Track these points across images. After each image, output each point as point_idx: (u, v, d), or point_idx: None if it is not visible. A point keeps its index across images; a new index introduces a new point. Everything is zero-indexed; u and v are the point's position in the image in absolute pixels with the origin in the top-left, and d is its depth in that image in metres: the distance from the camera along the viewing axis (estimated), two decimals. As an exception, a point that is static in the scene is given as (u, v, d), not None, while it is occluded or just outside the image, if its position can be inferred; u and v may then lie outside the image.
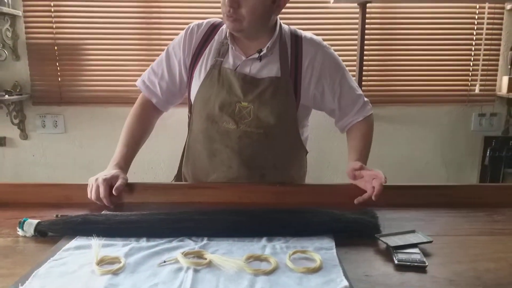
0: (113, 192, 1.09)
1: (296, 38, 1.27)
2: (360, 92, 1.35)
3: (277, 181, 1.26)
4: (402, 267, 0.80)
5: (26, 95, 2.45)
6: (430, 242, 0.88)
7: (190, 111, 1.34)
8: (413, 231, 0.92)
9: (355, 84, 1.34)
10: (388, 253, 0.85)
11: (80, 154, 2.57)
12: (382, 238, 0.89)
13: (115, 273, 0.75)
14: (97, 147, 2.52)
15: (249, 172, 1.26)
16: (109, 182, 1.10)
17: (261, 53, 1.23)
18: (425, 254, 0.85)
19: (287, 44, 1.26)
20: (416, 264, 0.80)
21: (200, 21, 1.33)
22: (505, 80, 2.47)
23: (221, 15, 1.22)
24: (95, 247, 0.79)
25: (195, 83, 1.28)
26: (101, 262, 0.78)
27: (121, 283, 0.71)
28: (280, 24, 1.28)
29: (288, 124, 1.27)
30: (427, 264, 0.80)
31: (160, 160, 2.52)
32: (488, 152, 2.57)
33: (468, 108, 2.57)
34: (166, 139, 2.17)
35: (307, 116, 1.36)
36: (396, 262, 0.81)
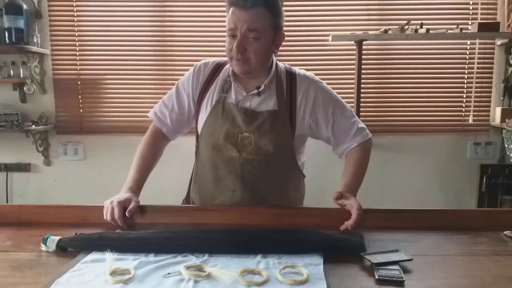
0: (126, 214, 1.17)
1: (291, 75, 1.37)
2: (354, 119, 1.40)
3: (277, 203, 1.34)
4: (382, 282, 0.86)
5: (51, 125, 2.59)
6: (411, 260, 0.94)
7: (197, 141, 1.43)
8: (396, 250, 0.98)
9: (349, 113, 1.40)
10: (371, 269, 0.91)
11: (98, 179, 2.67)
12: (366, 256, 0.95)
13: (126, 282, 0.82)
14: (114, 173, 2.62)
15: (251, 195, 1.33)
16: (123, 205, 1.18)
17: (260, 90, 1.33)
18: (405, 271, 0.90)
19: (282, 80, 1.36)
20: (394, 279, 0.86)
21: (207, 60, 1.44)
22: (498, 110, 2.52)
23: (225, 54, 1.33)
24: (108, 260, 0.87)
25: (202, 115, 1.38)
26: (114, 273, 0.86)
27: (130, 291, 0.79)
28: (276, 63, 1.38)
29: (286, 152, 1.35)
30: (404, 279, 0.86)
31: (171, 185, 2.61)
32: (484, 180, 2.60)
33: (463, 137, 2.62)
34: (176, 166, 2.24)
35: (303, 144, 1.43)
36: (376, 277, 0.87)
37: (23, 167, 2.67)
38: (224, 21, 2.46)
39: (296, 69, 1.41)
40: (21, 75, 2.50)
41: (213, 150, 1.34)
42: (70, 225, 1.17)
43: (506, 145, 1.09)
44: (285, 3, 2.52)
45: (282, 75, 1.37)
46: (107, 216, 1.18)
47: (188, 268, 0.87)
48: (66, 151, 2.66)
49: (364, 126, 1.42)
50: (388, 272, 0.88)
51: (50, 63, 2.58)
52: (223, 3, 2.57)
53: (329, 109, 1.36)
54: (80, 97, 2.61)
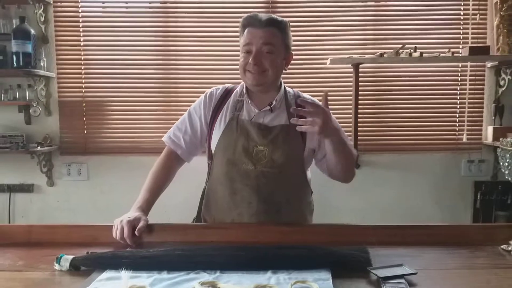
0: (136, 232, 1.19)
1: (299, 97, 1.45)
2: (350, 143, 1.50)
3: (291, 215, 1.38)
4: (389, 295, 0.88)
5: (55, 146, 2.60)
6: (415, 273, 0.97)
7: (210, 159, 1.46)
8: (400, 265, 1.01)
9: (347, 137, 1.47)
10: (378, 283, 0.94)
11: (100, 199, 2.67)
12: (373, 271, 0.98)
13: (143, 298, 0.84)
14: (117, 193, 2.63)
15: (266, 207, 1.36)
16: (132, 224, 1.20)
17: (272, 105, 1.40)
18: (410, 284, 0.93)
19: (291, 102, 1.44)
20: (401, 292, 0.89)
21: (218, 86, 1.53)
22: (490, 129, 2.58)
23: (235, 80, 1.40)
24: (124, 277, 0.89)
25: (216, 133, 1.43)
26: (130, 289, 0.88)
27: (148, 306, 0.81)
28: (284, 86, 1.47)
29: (297, 165, 1.40)
30: (410, 292, 0.89)
31: (174, 205, 2.60)
32: (478, 196, 2.64)
33: (457, 156, 2.67)
34: (180, 185, 2.24)
35: (310, 160, 1.48)
36: (384, 290, 0.89)
37: (26, 188, 2.67)
38: (227, 47, 2.54)
39: (304, 94, 1.50)
40: (27, 98, 2.53)
41: (229, 164, 1.38)
42: (80, 245, 1.18)
43: (501, 163, 1.13)
44: (285, 28, 2.60)
45: (291, 97, 1.46)
46: (116, 234, 1.20)
47: (202, 284, 0.89)
48: (70, 171, 2.67)
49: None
50: (395, 285, 0.91)
51: (56, 86, 2.61)
52: (227, 29, 2.65)
53: None
54: (84, 119, 2.64)
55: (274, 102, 1.40)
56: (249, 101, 1.42)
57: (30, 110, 2.54)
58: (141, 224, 1.22)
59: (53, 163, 2.66)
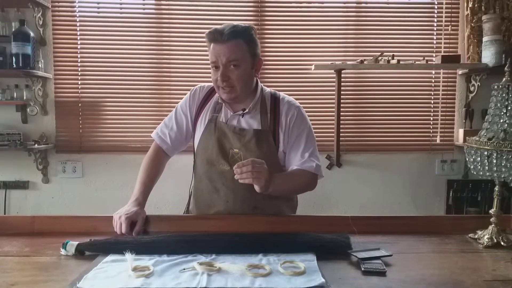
0: (133, 234, 1.23)
1: (275, 100, 1.47)
2: (313, 154, 1.42)
3: (269, 211, 1.41)
4: (367, 273, 0.96)
5: (51, 144, 2.62)
6: (390, 255, 1.05)
7: (194, 157, 1.51)
8: (377, 249, 1.09)
9: (313, 146, 1.44)
10: (357, 264, 1.01)
11: (94, 196, 2.69)
12: (353, 253, 1.06)
13: (147, 277, 0.90)
14: (110, 190, 2.66)
15: (243, 205, 1.40)
16: (130, 220, 1.25)
17: (245, 111, 1.42)
18: (386, 264, 1.01)
19: (266, 103, 1.45)
20: (378, 270, 0.97)
21: (203, 84, 1.54)
22: (461, 132, 2.70)
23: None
24: (129, 258, 0.95)
25: (198, 133, 1.47)
26: (135, 269, 0.93)
27: (153, 283, 0.87)
28: (262, 88, 1.48)
29: (273, 166, 1.40)
30: (386, 270, 0.97)
31: (165, 201, 2.65)
32: (451, 193, 2.76)
33: (431, 156, 2.79)
34: (171, 182, 2.26)
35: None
36: (363, 269, 0.97)
37: (22, 185, 2.67)
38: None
39: (281, 94, 1.50)
40: (24, 98, 2.54)
41: (208, 164, 1.42)
42: (82, 234, 1.22)
43: (467, 159, 1.23)
44: (273, 35, 2.68)
45: (267, 98, 1.46)
46: (116, 229, 1.24)
47: (200, 264, 0.95)
48: (65, 169, 2.68)
49: (319, 164, 1.44)
50: (372, 265, 0.99)
51: (53, 86, 2.63)
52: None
53: (299, 134, 1.43)
54: (80, 118, 2.66)
55: (247, 109, 1.42)
56: (224, 104, 1.43)
57: (27, 110, 2.55)
58: (137, 227, 1.25)
59: (48, 160, 2.68)
